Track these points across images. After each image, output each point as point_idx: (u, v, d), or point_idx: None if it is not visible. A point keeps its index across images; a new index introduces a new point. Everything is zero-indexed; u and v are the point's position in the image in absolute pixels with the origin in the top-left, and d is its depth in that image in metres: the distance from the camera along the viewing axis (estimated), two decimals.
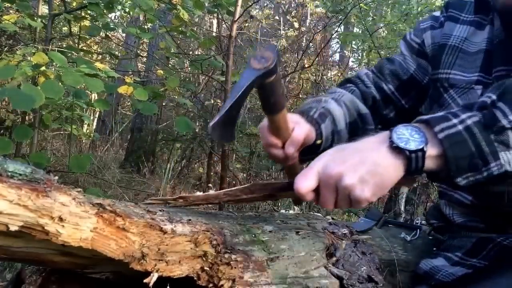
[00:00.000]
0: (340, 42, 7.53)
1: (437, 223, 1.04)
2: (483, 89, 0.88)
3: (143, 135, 5.26)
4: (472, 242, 0.91)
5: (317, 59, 5.25)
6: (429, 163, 0.64)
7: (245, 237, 0.75)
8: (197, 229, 0.68)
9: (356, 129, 1.00)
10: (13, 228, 0.49)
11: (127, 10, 3.89)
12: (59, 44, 4.24)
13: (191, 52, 5.65)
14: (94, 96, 4.43)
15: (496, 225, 0.89)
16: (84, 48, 3.81)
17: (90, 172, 3.64)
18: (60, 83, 1.92)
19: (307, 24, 7.87)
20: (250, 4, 3.37)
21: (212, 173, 4.15)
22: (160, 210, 0.68)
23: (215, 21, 5.47)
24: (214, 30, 5.35)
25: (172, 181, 4.13)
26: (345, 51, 8.55)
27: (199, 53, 5.23)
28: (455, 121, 0.64)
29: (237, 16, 2.79)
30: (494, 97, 0.64)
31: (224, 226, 0.74)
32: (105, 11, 2.76)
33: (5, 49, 4.13)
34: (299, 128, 0.83)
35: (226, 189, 0.80)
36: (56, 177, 0.54)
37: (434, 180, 0.68)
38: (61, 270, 0.71)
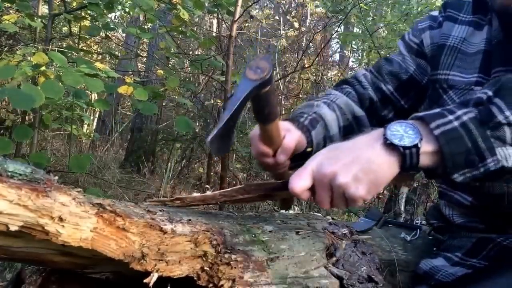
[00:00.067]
0: (340, 42, 7.54)
1: (437, 223, 1.04)
2: None
3: (143, 135, 5.26)
4: (472, 242, 0.91)
5: (317, 59, 5.25)
6: (425, 160, 0.63)
7: (245, 237, 0.75)
8: (197, 229, 0.68)
9: (351, 132, 0.99)
10: (13, 228, 0.49)
11: (127, 10, 3.89)
12: (59, 44, 4.24)
13: (191, 52, 5.65)
14: (94, 96, 4.43)
15: (496, 226, 0.89)
16: (84, 48, 3.81)
17: (90, 172, 3.64)
18: (60, 83, 1.92)
19: (307, 24, 7.87)
20: (250, 4, 3.37)
21: (212, 173, 4.15)
22: (160, 210, 0.69)
23: (215, 21, 5.47)
24: (214, 30, 5.35)
25: (172, 181, 4.13)
26: (345, 51, 8.55)
27: (199, 53, 5.24)
28: (451, 117, 0.63)
29: (237, 16, 2.79)
30: (490, 93, 0.64)
31: (224, 226, 0.74)
32: (105, 11, 2.76)
33: (5, 49, 4.13)
34: (290, 136, 0.83)
35: (222, 190, 0.80)
36: (56, 177, 0.54)
37: (431, 177, 0.68)
38: (61, 270, 0.71)
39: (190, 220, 0.69)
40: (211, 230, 0.69)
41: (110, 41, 4.98)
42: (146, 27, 3.51)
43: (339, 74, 6.55)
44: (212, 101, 4.52)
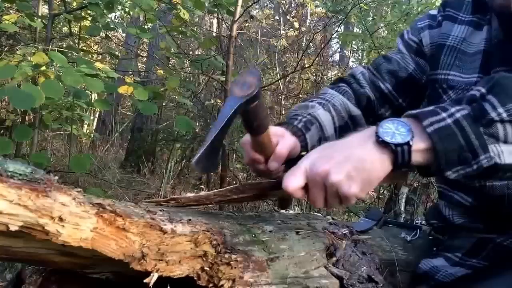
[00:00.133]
0: (340, 42, 7.53)
1: (437, 223, 1.04)
2: None
3: (143, 135, 5.26)
4: (472, 243, 0.91)
5: (317, 59, 5.25)
6: (418, 157, 0.63)
7: (245, 237, 0.75)
8: (197, 229, 0.68)
9: (347, 132, 0.99)
10: (13, 228, 0.49)
11: (127, 10, 3.89)
12: (59, 44, 4.24)
13: (191, 52, 5.65)
14: (94, 96, 4.44)
15: (496, 226, 0.89)
16: (84, 48, 3.81)
17: (90, 172, 3.64)
18: (60, 83, 1.92)
19: (307, 24, 7.87)
20: (250, 4, 3.37)
21: (212, 173, 4.15)
22: (160, 210, 0.69)
23: (215, 21, 5.47)
24: (214, 30, 5.35)
25: (172, 181, 4.13)
26: (345, 51, 8.55)
27: (199, 53, 5.24)
28: (444, 114, 0.63)
29: (237, 16, 2.79)
30: (483, 90, 0.64)
31: (224, 226, 0.74)
32: (105, 11, 2.76)
33: (5, 49, 4.13)
34: (283, 143, 0.82)
35: (217, 190, 0.79)
36: (56, 177, 0.54)
37: (424, 175, 0.68)
38: (61, 270, 0.71)
39: (190, 220, 0.69)
40: (211, 230, 0.69)
41: (110, 41, 4.98)
42: (146, 27, 3.51)
43: (339, 74, 6.55)
44: (212, 101, 4.52)
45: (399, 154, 0.63)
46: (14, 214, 0.48)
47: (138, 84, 2.58)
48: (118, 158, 5.32)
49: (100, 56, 5.39)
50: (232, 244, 0.71)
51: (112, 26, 3.12)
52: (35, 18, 2.80)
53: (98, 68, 2.23)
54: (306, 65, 4.99)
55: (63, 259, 0.63)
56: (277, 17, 8.15)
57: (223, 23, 3.55)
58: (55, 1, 3.65)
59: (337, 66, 8.10)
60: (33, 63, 2.04)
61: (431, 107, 0.66)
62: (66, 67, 1.99)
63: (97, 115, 6.54)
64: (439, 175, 0.65)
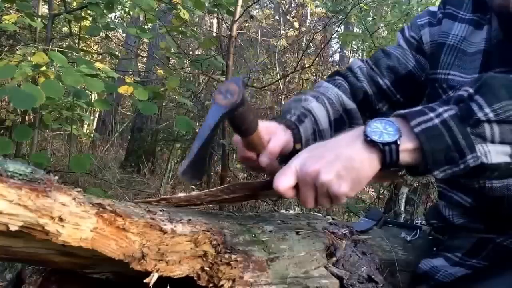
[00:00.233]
0: (340, 42, 7.53)
1: (437, 224, 1.04)
2: None
3: (143, 135, 5.26)
4: (472, 243, 0.91)
5: (317, 59, 5.25)
6: (406, 157, 0.64)
7: (245, 237, 0.75)
8: (197, 229, 0.68)
9: (342, 125, 0.99)
10: (13, 228, 0.49)
11: (127, 10, 3.89)
12: (59, 44, 4.24)
13: (191, 52, 5.65)
14: (94, 96, 4.44)
15: (496, 226, 0.89)
16: (84, 48, 3.81)
17: (90, 172, 3.64)
18: (60, 83, 1.92)
19: (307, 24, 7.87)
20: (250, 4, 3.37)
21: (212, 173, 4.15)
22: (160, 210, 0.68)
23: (215, 21, 5.47)
24: (214, 30, 5.35)
25: (172, 181, 4.13)
26: (345, 51, 8.55)
27: (199, 53, 5.24)
28: (431, 115, 0.64)
29: (237, 16, 2.79)
30: (471, 90, 0.64)
31: (224, 226, 0.74)
32: (105, 11, 2.76)
33: (5, 49, 4.13)
34: (275, 140, 0.82)
35: (208, 190, 0.79)
36: (56, 177, 0.54)
37: (413, 174, 0.69)
38: (61, 270, 0.71)
39: (190, 220, 0.69)
40: (211, 230, 0.69)
41: (110, 41, 4.98)
42: (146, 27, 3.51)
43: None
44: None
45: (387, 153, 0.63)
46: (14, 214, 0.48)
47: (138, 84, 2.58)
48: (118, 158, 5.32)
49: (100, 56, 5.39)
50: (232, 244, 0.71)
51: (112, 26, 3.12)
52: (35, 18, 2.80)
53: (98, 68, 2.23)
54: (306, 65, 4.99)
55: (63, 259, 0.63)
56: (277, 17, 8.15)
57: (223, 23, 3.55)
58: (55, 1, 3.65)
59: (337, 66, 8.10)
60: (33, 63, 2.04)
61: (419, 107, 0.66)
62: (66, 67, 1.99)
63: (97, 115, 6.54)
64: (427, 174, 0.65)
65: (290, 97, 5.60)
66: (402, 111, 0.66)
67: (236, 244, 0.72)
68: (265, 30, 7.30)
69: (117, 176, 4.18)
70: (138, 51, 5.13)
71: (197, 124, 4.69)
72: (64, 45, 3.57)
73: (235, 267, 0.69)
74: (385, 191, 3.23)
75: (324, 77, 6.19)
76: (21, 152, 3.09)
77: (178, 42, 4.15)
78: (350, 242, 0.91)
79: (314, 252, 0.82)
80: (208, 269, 0.67)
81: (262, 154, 0.80)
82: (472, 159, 0.61)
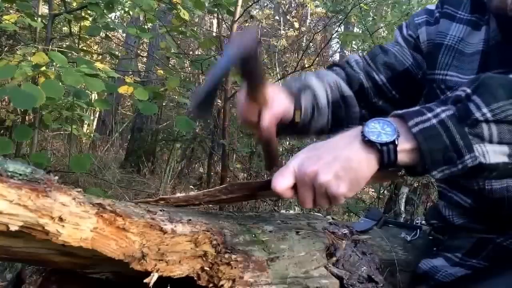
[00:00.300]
0: (340, 42, 7.53)
1: (437, 223, 1.03)
2: None
3: (143, 135, 5.26)
4: (472, 243, 0.91)
5: (317, 59, 5.24)
6: (404, 157, 0.64)
7: (245, 237, 0.75)
8: (197, 229, 0.68)
9: (339, 111, 0.99)
10: (13, 228, 0.49)
11: (127, 10, 3.89)
12: (59, 44, 4.24)
13: (191, 52, 5.65)
14: (94, 96, 4.44)
15: (496, 227, 0.89)
16: (84, 48, 3.81)
17: (90, 172, 3.64)
18: (60, 83, 1.92)
19: (307, 24, 7.87)
20: (250, 4, 3.37)
21: (212, 173, 4.15)
22: (160, 210, 0.68)
23: (215, 21, 5.47)
24: (214, 30, 5.34)
25: (172, 181, 4.13)
26: (345, 51, 8.54)
27: (199, 53, 5.23)
28: (429, 115, 0.64)
29: (237, 16, 2.79)
30: (468, 90, 0.64)
31: (224, 226, 0.74)
32: (105, 11, 2.76)
33: (5, 49, 4.13)
34: (278, 100, 0.84)
35: (206, 190, 0.79)
36: (56, 177, 0.54)
37: (411, 174, 0.69)
38: (61, 270, 0.71)
39: (190, 220, 0.69)
40: (211, 230, 0.69)
41: (110, 41, 4.98)
42: (146, 27, 3.51)
43: None
44: None
45: (385, 153, 0.63)
46: (14, 214, 0.48)
47: (138, 84, 2.58)
48: (118, 158, 5.32)
49: (100, 56, 5.39)
50: (232, 244, 0.71)
51: (112, 26, 3.12)
52: (35, 18, 2.80)
53: (98, 68, 2.23)
54: (306, 65, 4.98)
55: (63, 259, 0.63)
56: (277, 17, 8.15)
57: (223, 23, 3.55)
58: (55, 1, 3.65)
59: None
60: (33, 63, 2.04)
61: (416, 107, 0.66)
62: (66, 67, 1.99)
63: (97, 115, 6.54)
64: (425, 175, 0.66)
65: None
66: (400, 111, 0.66)
67: (236, 244, 0.72)
68: (265, 30, 7.30)
69: (117, 176, 4.18)
70: (138, 51, 5.13)
71: (197, 124, 4.69)
72: (64, 45, 3.57)
73: (235, 267, 0.69)
74: (385, 191, 3.23)
75: None
76: (21, 152, 3.09)
77: (178, 42, 4.15)
78: (350, 242, 0.91)
79: (314, 252, 0.82)
80: (208, 269, 0.67)
81: (265, 112, 0.80)
82: (470, 159, 0.61)
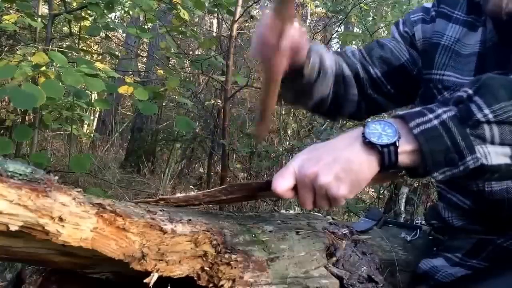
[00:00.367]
0: (340, 42, 7.53)
1: (437, 224, 1.04)
2: None
3: (143, 135, 5.26)
4: (472, 243, 0.91)
5: None
6: (405, 159, 0.64)
7: (245, 237, 0.75)
8: (197, 229, 0.68)
9: (339, 87, 0.99)
10: (13, 228, 0.49)
11: (127, 10, 3.89)
12: (59, 44, 4.24)
13: (191, 52, 5.65)
14: (94, 96, 4.44)
15: (496, 228, 0.89)
16: (84, 48, 3.81)
17: (90, 172, 3.64)
18: (60, 83, 1.92)
19: (307, 24, 7.87)
20: (250, 4, 3.37)
21: (212, 173, 4.15)
22: (160, 210, 0.68)
23: (215, 21, 5.47)
24: (214, 30, 5.35)
25: (172, 181, 4.13)
26: None
27: (199, 53, 5.24)
28: (430, 116, 0.63)
29: (237, 16, 2.80)
30: (470, 91, 0.63)
31: (224, 226, 0.74)
32: (105, 11, 2.76)
33: (5, 49, 4.13)
34: (300, 30, 0.82)
35: (206, 190, 0.79)
36: (56, 177, 0.54)
37: (413, 176, 0.69)
38: (61, 270, 0.71)
39: (190, 220, 0.69)
40: (211, 230, 0.69)
41: (110, 41, 4.98)
42: (146, 27, 3.51)
43: None
44: (212, 101, 4.52)
45: (385, 155, 0.63)
46: (14, 214, 0.48)
47: (138, 84, 2.59)
48: (118, 158, 5.32)
49: (100, 56, 5.39)
50: (232, 244, 0.71)
51: (112, 26, 3.12)
52: (35, 18, 2.80)
53: (98, 68, 2.23)
54: None
55: (63, 259, 0.63)
56: None
57: (223, 23, 3.55)
58: (55, 1, 3.65)
59: None
60: (33, 63, 2.04)
61: (417, 108, 0.66)
62: (66, 67, 1.99)
63: (97, 115, 6.54)
64: (426, 176, 0.65)
65: None
66: (400, 112, 0.66)
67: (236, 244, 0.72)
68: None
69: (117, 176, 4.18)
70: (138, 51, 5.13)
71: (197, 124, 4.69)
72: (64, 45, 3.57)
73: (235, 267, 0.69)
74: (385, 191, 3.23)
75: None
76: (21, 152, 3.09)
77: (178, 42, 4.15)
78: (350, 242, 0.91)
79: (314, 252, 0.82)
80: (208, 269, 0.67)
81: (286, 32, 0.76)
82: (472, 161, 0.61)
